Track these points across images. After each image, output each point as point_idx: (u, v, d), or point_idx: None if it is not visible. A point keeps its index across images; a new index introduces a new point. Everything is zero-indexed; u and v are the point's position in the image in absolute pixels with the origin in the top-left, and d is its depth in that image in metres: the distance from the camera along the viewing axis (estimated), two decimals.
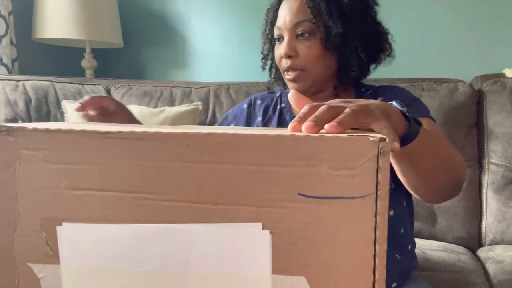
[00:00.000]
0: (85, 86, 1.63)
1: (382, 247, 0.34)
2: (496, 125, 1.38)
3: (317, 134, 0.35)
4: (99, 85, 1.67)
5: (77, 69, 1.95)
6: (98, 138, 0.36)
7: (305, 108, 0.42)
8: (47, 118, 1.50)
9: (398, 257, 0.81)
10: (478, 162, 1.41)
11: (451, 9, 1.65)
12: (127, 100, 1.62)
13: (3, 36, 1.67)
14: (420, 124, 0.56)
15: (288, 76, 0.84)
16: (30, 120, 1.46)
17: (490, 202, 1.36)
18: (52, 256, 0.37)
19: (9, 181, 0.37)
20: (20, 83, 1.51)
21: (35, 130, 0.36)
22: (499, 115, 1.38)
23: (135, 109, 1.51)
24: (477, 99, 1.44)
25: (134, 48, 2.06)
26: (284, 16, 0.83)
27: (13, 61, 1.74)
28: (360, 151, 0.33)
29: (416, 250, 1.22)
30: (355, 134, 0.34)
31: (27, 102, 1.48)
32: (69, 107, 1.49)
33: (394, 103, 0.56)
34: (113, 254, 0.37)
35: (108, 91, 1.67)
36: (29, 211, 0.37)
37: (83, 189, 0.36)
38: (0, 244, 0.38)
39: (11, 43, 1.73)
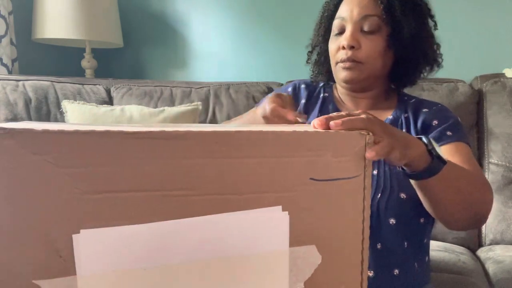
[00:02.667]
0: (85, 86, 1.63)
1: (367, 213, 0.44)
2: (496, 125, 1.38)
3: (323, 130, 0.42)
4: (99, 85, 1.67)
5: (77, 69, 1.95)
6: (126, 139, 0.35)
7: (334, 114, 0.47)
8: (47, 118, 1.50)
9: (416, 267, 0.80)
10: (478, 162, 1.41)
11: (451, 9, 1.65)
12: (127, 100, 1.62)
13: (3, 36, 1.67)
14: (444, 163, 0.58)
15: (342, 65, 0.81)
16: (30, 120, 1.46)
17: None
18: (65, 267, 0.34)
19: (11, 189, 0.33)
20: (20, 83, 1.51)
21: (46, 132, 0.33)
22: (499, 115, 1.38)
23: (135, 109, 1.51)
24: (477, 99, 1.43)
25: (134, 48, 2.05)
26: (351, 8, 0.80)
27: (13, 61, 1.74)
28: (353, 142, 0.42)
29: None
30: (349, 130, 0.43)
31: (27, 102, 1.48)
32: (69, 107, 1.49)
33: (423, 138, 0.58)
34: (138, 254, 0.36)
35: (108, 91, 1.67)
36: (35, 222, 0.33)
37: (104, 191, 0.35)
38: (2, 261, 0.34)
39: (11, 43, 1.73)
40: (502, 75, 1.45)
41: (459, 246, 1.32)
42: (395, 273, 0.76)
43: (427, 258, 0.84)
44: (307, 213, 0.41)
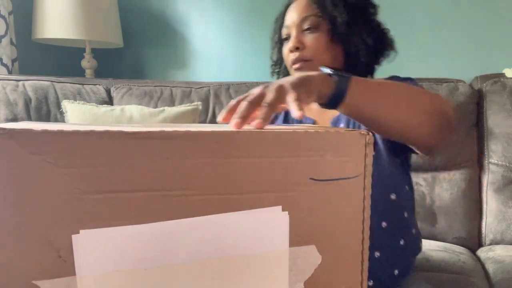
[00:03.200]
0: (85, 86, 1.63)
1: (367, 213, 0.44)
2: (496, 125, 1.38)
3: (322, 130, 0.42)
4: (99, 85, 1.67)
5: (77, 69, 1.95)
6: (125, 139, 0.35)
7: (231, 103, 0.50)
8: (47, 118, 1.50)
9: (402, 243, 0.82)
10: (478, 162, 1.41)
11: (451, 9, 1.65)
12: (127, 100, 1.62)
13: (3, 36, 1.67)
14: (349, 76, 0.59)
15: (294, 66, 0.86)
16: (30, 120, 1.46)
17: (490, 202, 1.36)
18: (65, 268, 0.34)
19: (10, 190, 0.33)
20: (20, 83, 1.51)
21: (45, 132, 0.33)
22: (499, 115, 1.38)
23: (135, 109, 1.51)
24: (477, 99, 1.44)
25: (134, 48, 2.06)
26: (292, 15, 0.88)
27: (13, 61, 1.74)
28: (354, 142, 0.42)
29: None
30: (349, 130, 0.43)
31: (27, 102, 1.48)
32: (69, 107, 1.49)
33: (321, 69, 0.60)
34: (139, 255, 0.36)
35: (108, 91, 1.67)
36: (35, 223, 0.33)
37: (104, 192, 0.35)
38: (1, 261, 0.33)
39: (11, 43, 1.73)
40: (502, 75, 1.45)
41: (459, 246, 1.32)
42: (376, 256, 0.78)
43: (414, 230, 0.86)
44: (307, 213, 0.41)
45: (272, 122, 0.98)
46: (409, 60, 1.66)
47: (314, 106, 0.91)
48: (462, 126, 1.40)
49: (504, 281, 1.06)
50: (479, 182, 1.40)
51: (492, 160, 1.38)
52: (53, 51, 1.98)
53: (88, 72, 1.91)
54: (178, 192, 0.37)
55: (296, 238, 0.41)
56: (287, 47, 0.89)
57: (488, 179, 1.38)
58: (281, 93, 0.50)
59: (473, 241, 1.37)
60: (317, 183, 0.41)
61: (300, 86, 0.53)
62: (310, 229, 0.42)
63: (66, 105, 1.50)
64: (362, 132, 0.43)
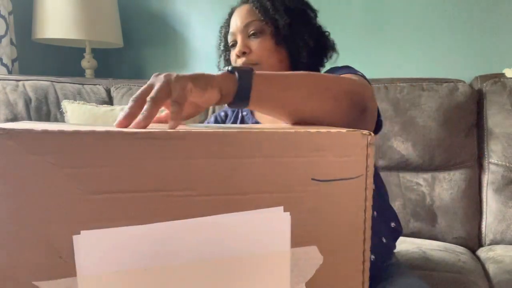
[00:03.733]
0: (85, 86, 1.63)
1: (368, 213, 0.44)
2: (496, 125, 1.38)
3: (324, 130, 0.41)
4: (99, 85, 1.67)
5: (77, 69, 1.95)
6: (126, 139, 0.35)
7: (131, 104, 0.46)
8: (47, 118, 1.50)
9: (384, 241, 0.87)
10: (478, 162, 1.41)
11: (451, 9, 1.65)
12: (127, 100, 1.62)
13: (3, 36, 1.67)
14: (250, 70, 0.56)
15: None
16: (30, 120, 1.45)
17: (490, 202, 1.36)
18: (66, 268, 0.34)
19: (10, 191, 0.32)
20: (20, 83, 1.51)
21: (45, 132, 0.33)
22: (499, 115, 1.38)
23: None
24: (477, 99, 1.44)
25: (134, 48, 2.05)
26: (236, 21, 0.90)
27: (13, 61, 1.74)
28: (356, 142, 0.42)
29: (416, 250, 1.22)
30: (351, 130, 0.43)
31: (27, 102, 1.48)
32: (69, 107, 1.49)
33: (224, 69, 0.58)
34: (140, 255, 0.36)
35: (108, 91, 1.67)
36: (35, 223, 0.33)
37: (106, 192, 0.35)
38: (2, 263, 0.33)
39: (11, 43, 1.73)
40: (502, 75, 1.45)
41: (459, 246, 1.32)
42: None
43: (392, 224, 0.92)
44: (309, 213, 0.41)
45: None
46: (409, 60, 1.66)
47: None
48: (462, 126, 1.40)
49: (504, 281, 1.07)
50: (479, 182, 1.40)
51: (492, 160, 1.38)
52: (53, 51, 1.98)
53: (88, 72, 1.91)
54: (180, 193, 0.37)
55: (298, 239, 0.41)
56: (234, 52, 0.90)
57: (488, 179, 1.38)
58: (168, 84, 0.47)
59: (473, 241, 1.37)
60: (319, 184, 0.41)
61: (196, 80, 0.50)
62: (311, 230, 0.42)
63: (66, 105, 1.50)
64: (364, 133, 0.42)
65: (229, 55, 0.97)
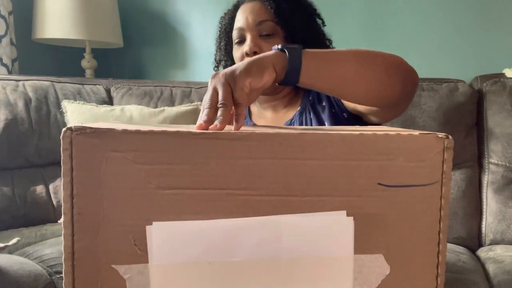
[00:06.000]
0: (85, 86, 1.63)
1: (445, 224, 0.41)
2: (496, 125, 1.38)
3: (394, 133, 0.40)
4: (99, 85, 1.67)
5: (77, 69, 1.95)
6: (193, 139, 0.37)
7: (206, 111, 0.49)
8: (47, 118, 1.50)
9: None
10: (478, 162, 1.41)
11: (451, 9, 1.65)
12: (127, 100, 1.62)
13: (3, 36, 1.67)
14: (300, 47, 0.58)
15: None
16: (30, 120, 1.46)
17: (490, 202, 1.36)
18: (140, 255, 0.37)
19: (94, 183, 0.36)
20: (20, 83, 1.51)
21: (125, 132, 0.36)
22: (499, 115, 1.38)
23: (135, 109, 1.51)
24: (477, 99, 1.44)
25: (134, 48, 2.05)
26: (246, 16, 0.85)
27: (13, 61, 1.74)
28: (430, 146, 0.40)
29: None
30: (425, 133, 0.40)
31: (27, 102, 1.48)
32: (69, 107, 1.49)
33: (273, 47, 0.59)
34: (204, 248, 0.38)
35: (108, 91, 1.67)
36: (115, 213, 0.37)
37: (174, 188, 0.37)
38: (83, 247, 0.37)
39: (11, 43, 1.73)
40: (502, 75, 1.45)
41: (459, 246, 1.32)
42: None
43: None
44: (375, 220, 0.40)
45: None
46: (409, 60, 1.66)
47: (268, 113, 0.93)
48: (462, 126, 1.40)
49: (504, 281, 1.06)
50: (479, 182, 1.40)
51: (492, 160, 1.38)
52: (53, 51, 1.98)
53: (88, 72, 1.91)
54: (242, 192, 0.38)
55: (362, 246, 0.40)
56: (240, 50, 0.86)
57: (488, 179, 1.38)
58: (229, 86, 0.50)
59: (473, 241, 1.37)
60: (386, 189, 0.39)
61: (251, 71, 0.52)
62: (377, 237, 0.40)
63: (66, 105, 1.50)
64: (440, 136, 0.40)
65: (229, 49, 0.93)
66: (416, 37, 1.68)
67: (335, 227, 0.39)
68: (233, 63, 0.92)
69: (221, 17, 0.96)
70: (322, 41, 0.91)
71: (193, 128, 0.44)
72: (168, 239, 0.37)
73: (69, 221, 0.37)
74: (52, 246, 1.18)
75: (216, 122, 0.47)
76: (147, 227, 0.37)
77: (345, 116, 0.83)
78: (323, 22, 0.93)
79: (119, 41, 1.88)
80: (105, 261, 0.37)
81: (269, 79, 0.54)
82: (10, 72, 1.70)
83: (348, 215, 0.39)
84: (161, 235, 0.37)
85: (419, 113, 1.41)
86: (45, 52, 1.96)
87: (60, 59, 2.02)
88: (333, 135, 0.39)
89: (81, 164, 0.36)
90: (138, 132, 0.36)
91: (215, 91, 0.51)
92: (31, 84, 1.53)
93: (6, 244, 1.08)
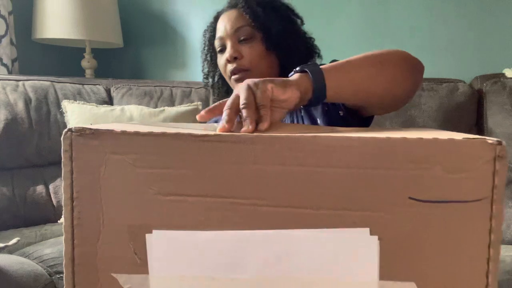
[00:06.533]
0: (85, 86, 1.63)
1: (496, 251, 0.33)
2: (496, 125, 1.38)
3: (429, 137, 0.33)
4: (99, 85, 1.67)
5: (77, 69, 1.95)
6: (194, 142, 0.34)
7: (227, 111, 0.47)
8: (47, 118, 1.50)
9: None
10: None
11: (451, 9, 1.65)
12: (127, 100, 1.62)
13: (3, 36, 1.67)
14: (318, 67, 0.59)
15: (234, 77, 0.87)
16: (30, 120, 1.46)
17: None
18: (140, 265, 0.35)
19: (94, 186, 0.35)
20: (20, 83, 1.51)
21: (124, 133, 0.34)
22: (499, 115, 1.38)
23: (135, 109, 1.51)
24: (477, 99, 1.44)
25: (134, 48, 2.05)
26: (224, 25, 0.89)
27: (13, 61, 1.74)
28: (477, 154, 0.33)
29: None
30: (470, 137, 0.33)
31: (27, 102, 1.48)
32: (69, 107, 1.49)
33: (294, 71, 0.60)
34: (207, 262, 0.35)
35: (108, 91, 1.67)
36: (114, 218, 0.35)
37: (175, 194, 0.34)
38: (83, 253, 0.35)
39: (11, 43, 1.73)
40: (502, 75, 1.45)
41: None
42: None
43: None
44: (405, 241, 0.33)
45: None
46: None
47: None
48: (462, 126, 1.40)
49: (504, 281, 1.06)
50: None
51: None
52: (53, 51, 1.98)
53: (88, 72, 1.91)
54: (247, 201, 0.34)
55: (389, 271, 0.34)
56: (223, 58, 0.89)
57: None
58: (251, 90, 0.50)
59: None
60: (420, 205, 0.33)
61: (274, 80, 0.52)
62: (408, 262, 0.34)
63: (66, 105, 1.50)
64: (490, 141, 0.33)
65: (215, 60, 0.96)
66: (416, 37, 1.68)
67: (356, 247, 0.34)
68: (221, 73, 0.95)
69: (204, 30, 1.00)
70: (302, 39, 0.92)
71: (197, 128, 0.41)
72: (169, 249, 0.35)
73: (69, 226, 0.35)
74: (52, 246, 1.18)
75: (246, 124, 0.45)
76: (147, 235, 0.35)
77: (341, 114, 0.83)
78: (302, 21, 0.95)
79: (119, 41, 1.88)
80: (105, 269, 0.35)
81: (292, 96, 0.54)
82: (10, 72, 1.70)
83: (371, 233, 0.34)
84: (161, 244, 0.35)
85: (419, 113, 1.41)
86: (45, 52, 1.96)
87: (60, 59, 2.02)
88: (353, 139, 0.33)
89: (81, 166, 0.35)
90: (137, 133, 0.34)
91: (236, 96, 0.50)
92: (31, 84, 1.53)
93: (6, 244, 1.08)
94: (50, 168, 1.49)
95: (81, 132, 0.34)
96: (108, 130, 0.35)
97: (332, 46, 1.74)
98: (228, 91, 0.99)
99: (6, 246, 1.07)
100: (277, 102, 0.53)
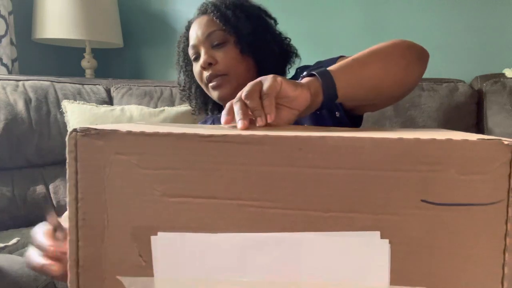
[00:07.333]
0: (85, 86, 1.63)
1: (511, 256, 0.33)
2: (496, 125, 1.38)
3: (443, 138, 0.32)
4: (99, 85, 1.67)
5: (77, 69, 1.95)
6: (200, 142, 0.33)
7: (235, 105, 0.48)
8: (47, 118, 1.50)
9: None
10: None
11: (451, 9, 1.65)
12: (127, 100, 1.62)
13: (3, 36, 1.67)
14: (325, 69, 0.59)
15: (211, 84, 0.85)
16: (30, 120, 1.46)
17: None
18: (144, 267, 0.34)
19: (98, 187, 0.34)
20: (20, 83, 1.51)
21: (129, 133, 0.34)
22: (499, 115, 1.38)
23: (135, 109, 1.51)
24: (477, 99, 1.44)
25: (134, 48, 2.05)
26: (196, 32, 0.87)
27: (13, 61, 1.74)
28: (492, 155, 0.32)
29: None
30: (485, 138, 0.32)
31: (27, 102, 1.48)
32: (69, 107, 1.49)
33: (301, 77, 0.60)
34: (213, 265, 0.34)
35: (108, 91, 1.67)
36: (119, 220, 0.34)
37: (181, 196, 0.34)
38: (88, 254, 0.35)
39: (11, 43, 1.73)
40: (502, 75, 1.45)
41: None
42: None
43: None
44: (417, 244, 0.33)
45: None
46: None
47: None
48: (462, 126, 1.40)
49: None
50: None
51: None
52: (53, 51, 1.98)
53: (88, 72, 1.91)
54: (255, 203, 0.34)
55: (401, 276, 0.33)
56: (198, 65, 0.87)
57: None
58: (259, 81, 0.50)
59: None
60: (433, 208, 0.32)
61: (284, 78, 0.52)
62: (420, 266, 0.33)
63: (66, 105, 1.50)
64: (506, 142, 0.32)
65: (190, 69, 0.94)
66: (416, 37, 1.68)
67: (366, 251, 0.33)
68: (197, 83, 0.93)
69: (178, 41, 0.97)
70: (276, 40, 0.91)
71: (203, 128, 0.40)
72: (174, 251, 0.34)
73: (74, 227, 0.34)
74: None
75: (256, 116, 0.46)
76: (152, 237, 0.34)
77: (337, 115, 0.83)
78: (275, 21, 0.93)
79: (119, 41, 1.88)
80: (110, 271, 0.35)
81: (302, 95, 0.53)
82: (10, 72, 1.70)
83: (382, 236, 0.33)
84: (166, 246, 0.34)
85: (419, 113, 1.41)
86: (45, 52, 1.96)
87: (60, 59, 2.02)
88: (364, 140, 0.32)
89: (86, 167, 0.34)
90: (142, 133, 0.34)
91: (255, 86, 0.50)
92: (31, 84, 1.53)
93: (6, 244, 1.08)
94: (50, 168, 1.49)
95: (86, 132, 0.34)
96: (113, 130, 0.34)
97: (332, 46, 1.74)
98: (206, 102, 0.97)
99: (6, 246, 1.07)
100: (286, 100, 0.52)
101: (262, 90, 0.49)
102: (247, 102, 0.48)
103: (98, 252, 0.35)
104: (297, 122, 0.84)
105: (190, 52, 0.89)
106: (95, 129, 0.34)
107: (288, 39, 0.94)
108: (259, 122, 0.46)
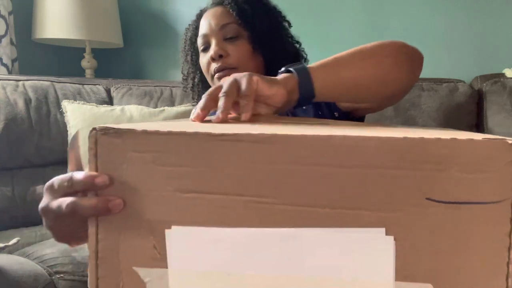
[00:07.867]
0: (85, 86, 1.63)
1: None
2: (496, 125, 1.38)
3: (447, 137, 0.33)
4: (99, 85, 1.67)
5: (77, 69, 1.95)
6: (211, 140, 0.35)
7: (204, 98, 0.48)
8: (47, 118, 1.50)
9: None
10: None
11: (451, 9, 1.65)
12: (127, 100, 1.62)
13: (3, 36, 1.67)
14: (303, 65, 0.58)
15: (218, 75, 0.83)
16: (30, 120, 1.46)
17: None
18: (159, 259, 0.36)
19: (118, 183, 0.36)
20: (20, 83, 1.51)
21: (145, 132, 0.35)
22: (499, 115, 1.38)
23: (135, 109, 1.51)
24: (477, 99, 1.44)
25: (134, 48, 2.05)
26: (209, 22, 0.84)
27: (13, 61, 1.74)
28: (497, 155, 0.32)
29: None
30: (490, 137, 0.33)
31: (27, 102, 1.48)
32: (69, 107, 1.49)
33: (280, 72, 0.59)
34: (223, 258, 0.35)
35: (108, 91, 1.67)
36: (135, 214, 0.36)
37: (193, 191, 0.35)
38: (106, 246, 0.36)
39: (11, 43, 1.73)
40: (502, 75, 1.45)
41: None
42: None
43: None
44: (421, 241, 0.33)
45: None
46: None
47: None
48: (462, 126, 1.40)
49: None
50: None
51: None
52: (53, 51, 1.98)
53: (88, 72, 1.91)
54: (264, 199, 0.35)
55: (405, 271, 0.34)
56: (206, 56, 0.85)
57: None
58: (236, 80, 0.50)
59: None
60: (437, 206, 0.33)
61: (260, 76, 0.52)
62: (425, 263, 0.34)
63: (66, 105, 1.50)
64: (510, 141, 0.32)
65: (196, 60, 0.91)
66: (416, 37, 1.68)
67: (371, 247, 0.34)
68: (202, 74, 0.91)
69: (186, 28, 0.95)
70: (289, 42, 0.90)
71: (213, 126, 0.41)
72: (187, 244, 0.36)
73: (94, 220, 0.36)
74: (52, 246, 1.18)
75: (218, 112, 0.46)
76: (166, 231, 0.36)
77: (336, 116, 0.83)
78: (289, 24, 0.92)
79: (119, 41, 1.88)
80: (126, 263, 0.36)
81: (278, 93, 0.53)
82: (10, 72, 1.70)
83: (387, 233, 0.33)
84: (180, 240, 0.36)
85: (419, 113, 1.41)
86: (45, 52, 1.96)
87: (60, 59, 2.02)
88: (370, 139, 0.33)
89: (105, 164, 0.36)
90: (156, 132, 0.35)
91: (218, 86, 0.50)
92: (31, 84, 1.53)
93: (6, 244, 1.08)
94: (50, 168, 1.49)
95: (106, 131, 0.36)
96: (129, 129, 0.36)
97: (331, 46, 1.75)
98: None
99: (6, 246, 1.07)
100: (262, 98, 0.53)
101: (241, 90, 0.49)
102: (221, 101, 0.47)
103: (116, 245, 0.36)
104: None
105: (200, 41, 0.87)
106: (114, 128, 0.36)
107: (300, 43, 0.92)
108: (216, 119, 0.46)
